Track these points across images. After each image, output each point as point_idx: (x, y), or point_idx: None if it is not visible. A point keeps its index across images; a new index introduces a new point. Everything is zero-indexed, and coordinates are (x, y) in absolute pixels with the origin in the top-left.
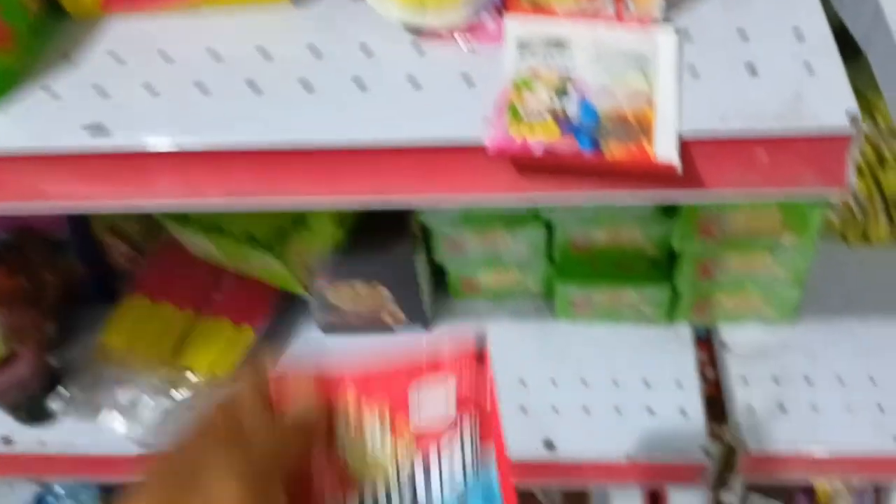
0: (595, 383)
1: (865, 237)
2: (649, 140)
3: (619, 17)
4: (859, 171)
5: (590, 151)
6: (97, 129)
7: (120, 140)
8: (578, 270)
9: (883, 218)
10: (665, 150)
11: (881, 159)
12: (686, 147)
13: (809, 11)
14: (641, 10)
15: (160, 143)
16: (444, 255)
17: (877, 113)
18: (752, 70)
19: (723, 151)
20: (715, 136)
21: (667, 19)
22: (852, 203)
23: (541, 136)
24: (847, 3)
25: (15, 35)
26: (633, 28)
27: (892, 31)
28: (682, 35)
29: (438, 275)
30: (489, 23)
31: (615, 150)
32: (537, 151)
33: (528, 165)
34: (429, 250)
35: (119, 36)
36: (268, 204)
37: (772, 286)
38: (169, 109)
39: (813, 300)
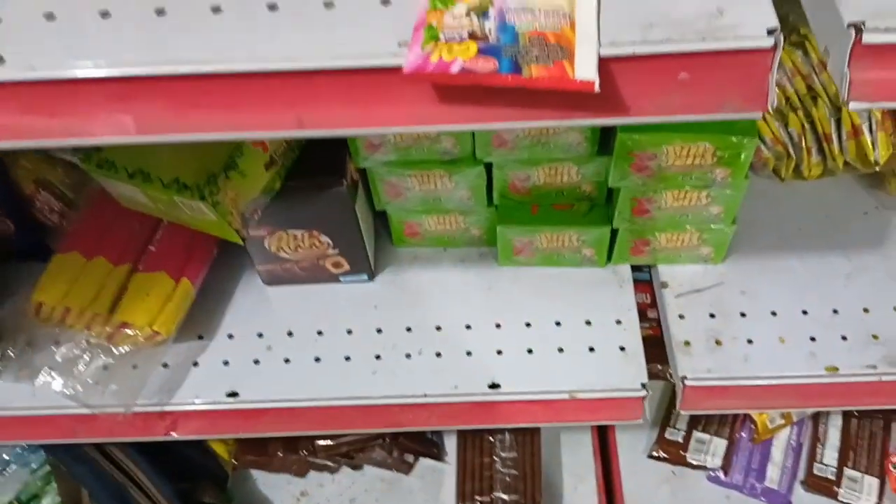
0: (538, 325)
1: (798, 173)
2: (570, 61)
3: None
4: (791, 105)
5: (509, 73)
6: None
7: (13, 70)
8: (518, 214)
9: (815, 153)
10: (585, 71)
11: (812, 92)
12: (606, 66)
13: None
14: None
15: (56, 72)
16: (384, 200)
17: (808, 46)
18: None
19: (644, 70)
20: (635, 54)
21: None
22: (784, 138)
23: (459, 57)
24: None
25: None
26: None
27: None
28: None
29: (381, 223)
30: None
31: (535, 71)
32: (454, 71)
33: (447, 88)
34: (369, 197)
35: None
36: (178, 138)
37: (707, 223)
38: (69, 36)
39: (747, 237)
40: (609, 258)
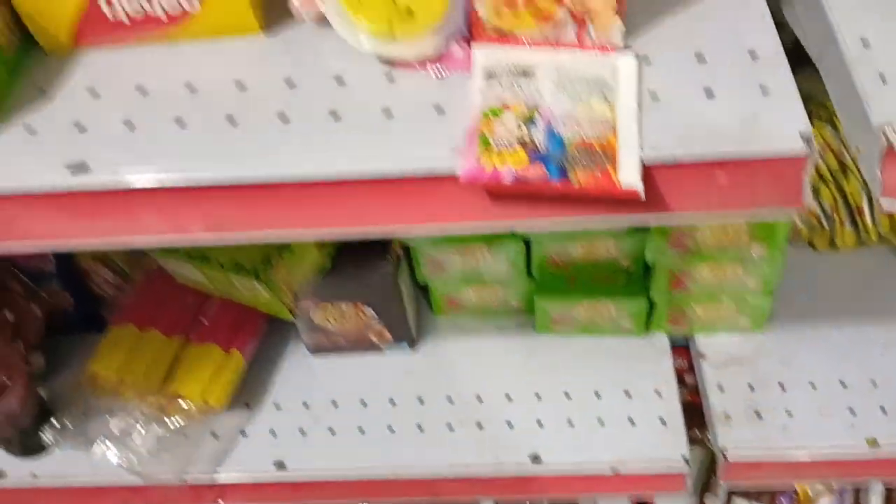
0: (577, 396)
1: (832, 244)
2: (614, 167)
3: (580, 43)
4: (823, 178)
5: (558, 180)
6: (78, 167)
7: (100, 177)
8: (557, 286)
9: (848, 225)
10: (629, 177)
11: (843, 167)
12: (648, 171)
13: (763, 31)
14: (602, 37)
15: (140, 179)
16: (426, 273)
17: (837, 120)
18: (709, 93)
19: (684, 175)
20: (676, 161)
21: (627, 45)
22: (818, 211)
23: (510, 165)
24: (800, 20)
25: None
26: (595, 54)
27: (842, 52)
28: (642, 60)
29: (422, 292)
30: (457, 52)
31: (582, 178)
32: (507, 180)
33: (500, 193)
34: (412, 269)
35: (94, 69)
36: (248, 238)
37: (743, 295)
38: (148, 144)
39: (784, 306)
40: (647, 328)
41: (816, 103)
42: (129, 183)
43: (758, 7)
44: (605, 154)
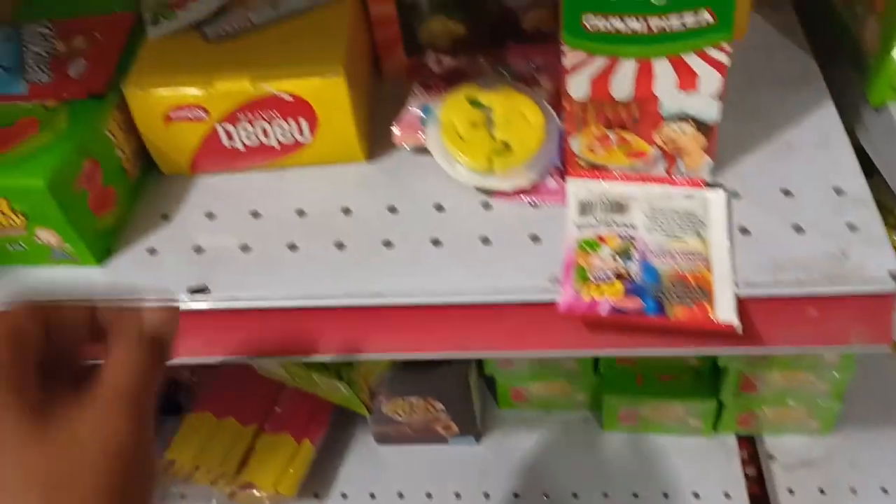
0: (646, 496)
1: None
2: (710, 302)
3: (670, 177)
4: None
5: (654, 313)
6: (199, 289)
7: (218, 299)
8: (624, 383)
9: None
10: (725, 313)
11: None
12: (741, 304)
13: (848, 169)
14: (691, 172)
15: (255, 302)
16: (494, 368)
17: None
18: (797, 228)
19: (775, 309)
20: (768, 295)
21: (715, 179)
22: None
23: (608, 296)
24: (876, 144)
25: (117, 197)
26: (685, 188)
27: None
28: (731, 194)
29: (487, 384)
30: (552, 184)
31: (678, 312)
32: (604, 311)
33: (596, 323)
34: (480, 364)
35: (210, 194)
36: (348, 358)
37: (814, 399)
38: (262, 267)
39: (854, 408)
40: (715, 428)
41: (887, 210)
42: (245, 305)
43: (841, 145)
44: (700, 288)
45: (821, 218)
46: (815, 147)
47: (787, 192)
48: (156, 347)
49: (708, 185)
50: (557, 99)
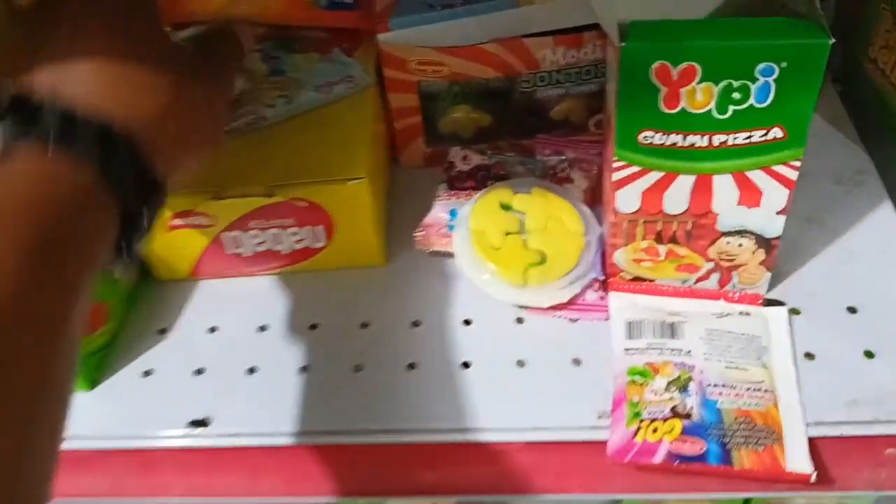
0: None
1: None
2: (780, 446)
3: (723, 291)
4: None
5: (719, 461)
6: (200, 423)
7: (219, 433)
8: None
9: None
10: (798, 460)
11: None
12: (812, 443)
13: None
14: (747, 286)
15: (262, 439)
16: None
17: None
18: (868, 353)
19: (850, 448)
20: (842, 434)
21: (772, 294)
22: None
23: (664, 438)
24: None
25: (110, 311)
26: (742, 306)
27: None
28: (791, 311)
29: None
30: (592, 297)
31: (745, 459)
32: (660, 456)
33: (651, 469)
34: None
35: (213, 304)
36: (369, 502)
37: None
38: (270, 394)
39: None
40: None
41: None
42: (248, 443)
43: None
44: (768, 429)
45: (891, 340)
46: (877, 254)
47: (852, 310)
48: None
49: (767, 301)
50: (592, 197)
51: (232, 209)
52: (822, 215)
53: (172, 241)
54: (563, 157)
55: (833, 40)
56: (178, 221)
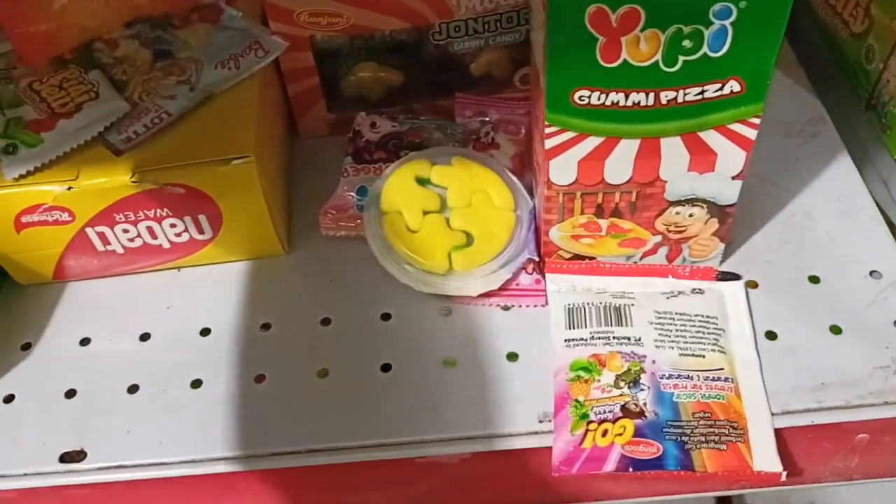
0: None
1: None
2: (746, 443)
3: (671, 266)
4: None
5: (677, 464)
6: (71, 454)
7: (97, 468)
8: None
9: None
10: (766, 459)
11: None
12: (779, 434)
13: (881, 243)
14: (699, 259)
15: (146, 471)
16: None
17: None
18: (834, 329)
19: (819, 436)
20: (813, 424)
21: (724, 268)
22: None
23: (615, 442)
24: None
25: None
26: (694, 282)
27: None
28: (748, 285)
29: None
30: (527, 280)
31: (708, 461)
32: (612, 464)
33: (604, 477)
34: None
35: (85, 310)
36: None
37: None
38: (156, 416)
39: None
40: None
41: None
42: (131, 476)
43: (868, 211)
44: (731, 424)
45: (859, 313)
46: (837, 214)
47: (814, 280)
48: None
49: (721, 275)
50: (521, 164)
51: (90, 201)
52: (773, 174)
53: (26, 240)
54: (487, 119)
55: None
56: (29, 218)
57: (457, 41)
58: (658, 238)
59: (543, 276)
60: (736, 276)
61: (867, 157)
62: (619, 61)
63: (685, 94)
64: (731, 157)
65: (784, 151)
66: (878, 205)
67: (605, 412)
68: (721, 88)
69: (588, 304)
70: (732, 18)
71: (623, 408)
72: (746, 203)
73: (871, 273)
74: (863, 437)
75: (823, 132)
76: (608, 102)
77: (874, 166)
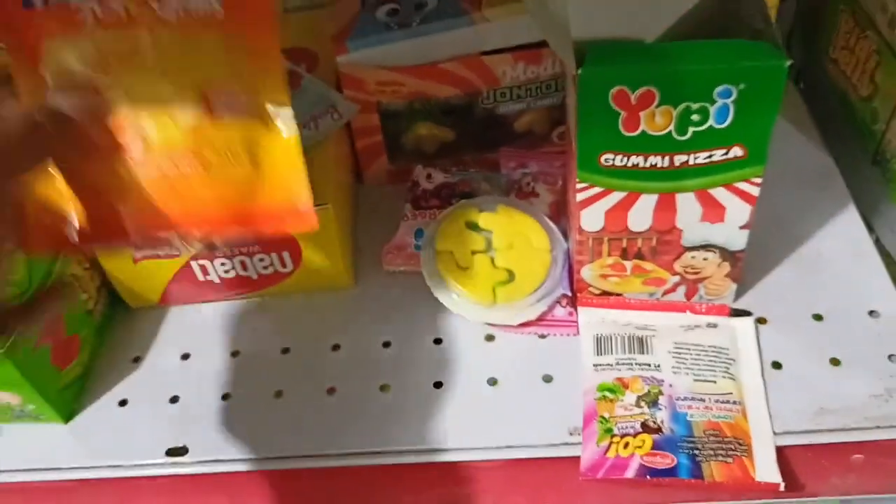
0: None
1: None
2: (749, 457)
3: (689, 303)
4: None
5: (689, 474)
6: (177, 452)
7: (197, 460)
8: None
9: None
10: (767, 471)
11: None
12: (781, 452)
13: (882, 289)
14: (714, 297)
15: (238, 465)
16: None
17: None
18: (835, 361)
19: (817, 455)
20: (809, 443)
21: (739, 303)
22: None
23: (636, 453)
24: None
25: (82, 344)
26: (709, 317)
27: None
28: (758, 320)
29: None
30: (561, 313)
31: (715, 471)
32: (632, 471)
33: (624, 483)
34: None
35: (185, 330)
36: None
37: None
38: (246, 419)
39: None
40: None
41: None
42: (230, 467)
43: (871, 256)
44: (737, 441)
45: (859, 348)
46: (842, 259)
47: (818, 317)
48: None
49: (733, 311)
50: (558, 210)
51: None
52: (786, 221)
53: (139, 271)
54: (527, 171)
55: (790, 61)
56: (142, 253)
57: (502, 105)
58: (677, 278)
59: (576, 309)
60: (747, 313)
61: (875, 207)
62: (639, 131)
63: (695, 158)
64: (738, 210)
65: (796, 201)
66: (884, 249)
67: (627, 427)
68: (727, 153)
69: (614, 334)
70: (733, 97)
71: (643, 424)
72: (760, 247)
73: (871, 312)
74: (858, 458)
75: (833, 184)
76: (629, 164)
77: (881, 215)
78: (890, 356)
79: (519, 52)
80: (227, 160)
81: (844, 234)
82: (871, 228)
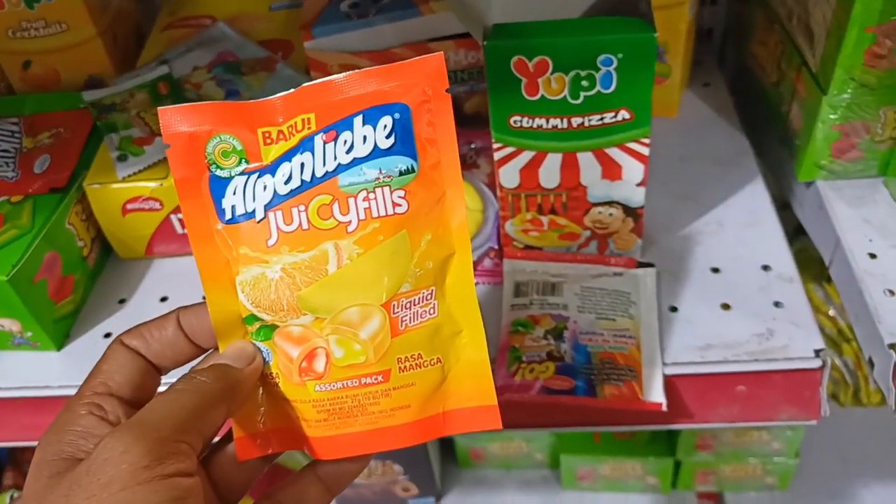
0: None
1: (857, 399)
2: (639, 382)
3: (602, 256)
4: (843, 336)
5: (584, 394)
6: None
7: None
8: (582, 443)
9: (872, 382)
10: (653, 392)
11: None
12: (670, 382)
13: (776, 247)
14: (622, 251)
15: None
16: None
17: None
18: (725, 306)
19: (703, 386)
20: (696, 372)
21: (646, 258)
22: (841, 367)
23: (539, 377)
24: (808, 221)
25: (76, 285)
26: (616, 268)
27: (851, 266)
28: (661, 272)
29: (446, 443)
30: (489, 264)
31: (607, 392)
32: (535, 391)
33: (529, 403)
34: None
35: (165, 278)
36: None
37: (770, 456)
38: None
39: (811, 463)
40: (673, 485)
41: (816, 263)
42: None
43: (770, 223)
44: (629, 368)
45: (748, 296)
46: (744, 225)
47: (715, 270)
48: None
49: (639, 264)
50: (495, 181)
51: (174, 194)
52: (698, 192)
53: (127, 223)
54: (472, 146)
55: (657, 33)
56: (132, 206)
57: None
58: (588, 233)
59: (502, 261)
60: (650, 265)
61: (787, 184)
62: (538, 96)
63: (589, 120)
64: (632, 169)
65: (709, 176)
66: (787, 214)
67: (534, 356)
68: (615, 116)
69: (531, 280)
70: (614, 65)
71: (548, 354)
72: (669, 214)
73: (764, 267)
74: (742, 389)
75: (745, 162)
76: (535, 126)
77: (791, 191)
78: (776, 303)
79: (460, 40)
80: (411, 366)
81: (748, 203)
82: (787, 205)
